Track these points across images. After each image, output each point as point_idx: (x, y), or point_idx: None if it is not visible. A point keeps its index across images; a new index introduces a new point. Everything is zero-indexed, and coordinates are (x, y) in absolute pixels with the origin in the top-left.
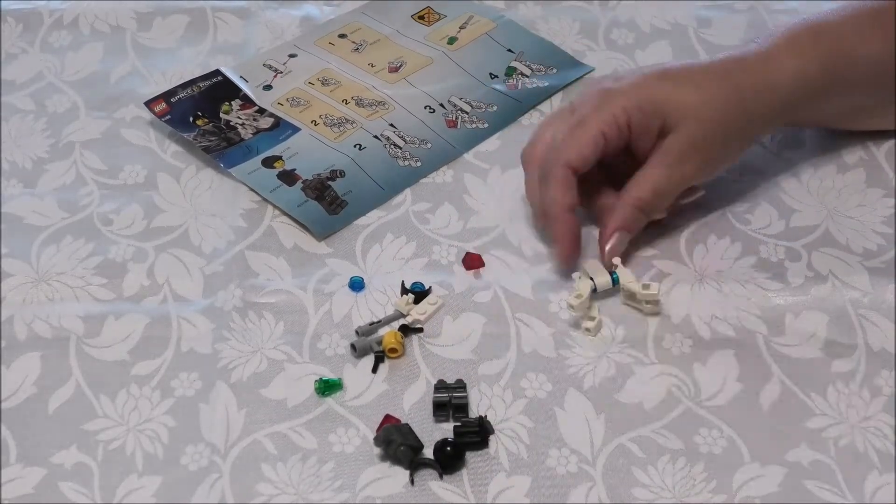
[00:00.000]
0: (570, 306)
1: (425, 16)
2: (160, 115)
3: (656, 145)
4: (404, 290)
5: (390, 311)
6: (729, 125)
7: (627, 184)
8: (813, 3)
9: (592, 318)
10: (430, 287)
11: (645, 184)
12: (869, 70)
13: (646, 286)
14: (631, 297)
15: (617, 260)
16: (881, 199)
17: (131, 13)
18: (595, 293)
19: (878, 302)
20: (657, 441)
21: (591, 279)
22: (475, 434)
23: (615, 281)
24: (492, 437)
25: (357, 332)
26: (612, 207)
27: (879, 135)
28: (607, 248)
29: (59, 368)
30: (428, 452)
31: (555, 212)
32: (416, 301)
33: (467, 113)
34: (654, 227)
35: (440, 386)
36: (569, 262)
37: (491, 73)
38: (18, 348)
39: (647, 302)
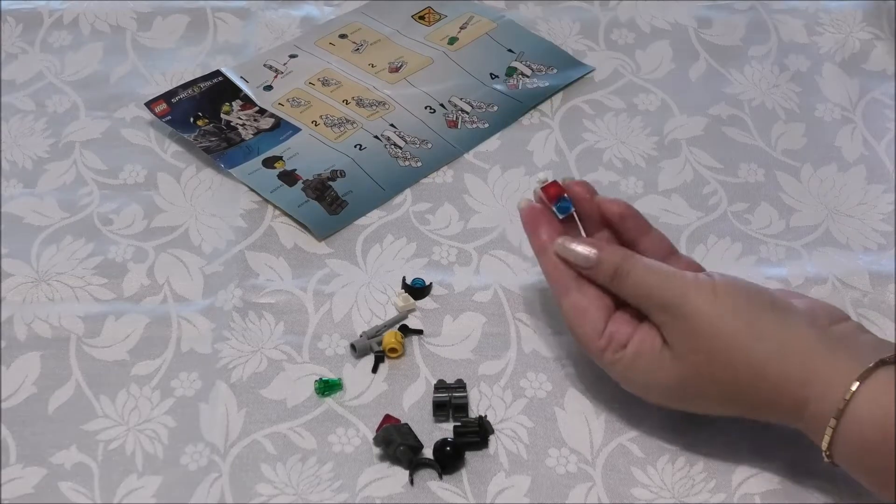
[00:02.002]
0: None
1: (426, 16)
2: (161, 116)
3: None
4: (405, 286)
5: (390, 311)
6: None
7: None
8: (813, 3)
9: None
10: (431, 283)
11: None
12: None
13: None
14: None
15: None
16: (882, 194)
17: (131, 13)
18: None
19: (878, 302)
20: (656, 441)
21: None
22: (475, 434)
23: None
24: (491, 437)
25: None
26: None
27: (880, 131)
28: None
29: (59, 368)
30: (427, 452)
31: None
32: (416, 297)
33: (468, 113)
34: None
35: (440, 386)
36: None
37: (491, 74)
38: (18, 348)
39: None
